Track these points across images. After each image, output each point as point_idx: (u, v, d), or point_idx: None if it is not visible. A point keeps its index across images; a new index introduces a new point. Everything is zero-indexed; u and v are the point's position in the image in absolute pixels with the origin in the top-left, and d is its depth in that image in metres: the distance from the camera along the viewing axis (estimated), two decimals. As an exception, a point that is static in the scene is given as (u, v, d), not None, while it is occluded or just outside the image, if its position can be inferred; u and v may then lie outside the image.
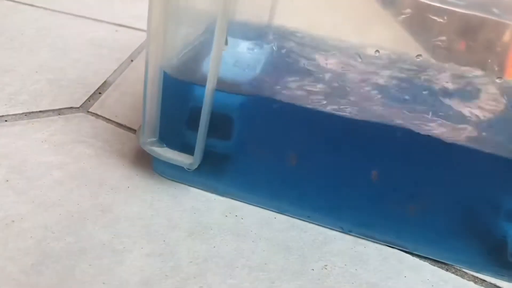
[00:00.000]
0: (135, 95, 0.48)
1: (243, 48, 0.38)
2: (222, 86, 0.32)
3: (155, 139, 0.35)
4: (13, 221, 0.30)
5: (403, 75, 0.32)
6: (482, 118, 0.31)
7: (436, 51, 0.29)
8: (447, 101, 0.31)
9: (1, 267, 0.27)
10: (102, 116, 0.43)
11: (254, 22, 0.39)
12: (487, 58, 0.30)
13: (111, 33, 0.63)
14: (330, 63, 0.34)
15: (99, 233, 0.30)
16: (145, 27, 0.68)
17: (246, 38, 0.38)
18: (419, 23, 0.29)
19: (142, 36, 0.63)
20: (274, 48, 0.35)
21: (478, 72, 0.31)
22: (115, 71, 0.52)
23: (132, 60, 0.55)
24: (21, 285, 0.26)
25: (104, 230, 0.31)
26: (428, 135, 0.30)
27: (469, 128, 0.31)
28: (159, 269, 0.29)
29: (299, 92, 0.33)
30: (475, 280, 0.33)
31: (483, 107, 0.31)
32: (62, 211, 0.31)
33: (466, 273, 0.34)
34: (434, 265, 0.34)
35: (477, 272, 0.34)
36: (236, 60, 0.37)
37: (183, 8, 0.34)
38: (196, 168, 0.34)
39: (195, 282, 0.28)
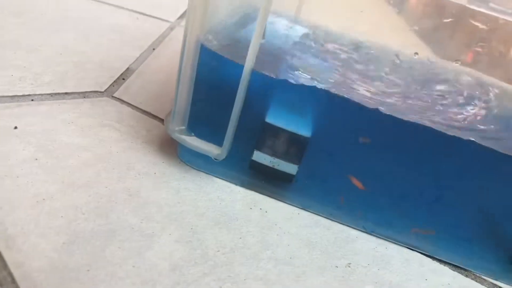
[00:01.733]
0: (158, 83, 0.48)
1: (280, 24, 0.39)
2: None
3: (183, 127, 0.35)
4: (44, 199, 0.30)
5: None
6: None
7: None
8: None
9: (34, 243, 0.27)
10: (126, 102, 0.43)
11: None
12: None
13: (132, 21, 0.63)
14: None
15: (128, 217, 0.30)
16: (165, 17, 0.68)
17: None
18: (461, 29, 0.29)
19: (163, 25, 0.63)
20: (313, 44, 0.35)
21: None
22: (137, 58, 0.52)
23: (154, 49, 0.55)
24: (54, 262, 0.26)
25: (133, 214, 0.31)
26: (459, 138, 0.30)
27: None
28: (187, 256, 0.29)
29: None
30: (494, 287, 0.33)
31: None
32: (91, 193, 0.31)
33: (485, 279, 0.34)
34: (454, 270, 0.34)
35: (495, 279, 0.34)
36: (267, 35, 0.37)
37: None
38: (223, 159, 0.34)
39: (223, 271, 0.28)
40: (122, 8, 0.66)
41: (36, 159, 0.33)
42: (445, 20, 0.29)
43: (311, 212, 0.36)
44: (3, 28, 0.51)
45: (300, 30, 0.42)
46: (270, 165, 0.34)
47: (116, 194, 0.32)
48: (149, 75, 0.49)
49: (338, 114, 0.33)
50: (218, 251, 0.30)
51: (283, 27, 0.42)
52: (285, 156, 0.34)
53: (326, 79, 0.34)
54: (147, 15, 0.66)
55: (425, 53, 0.34)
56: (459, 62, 0.30)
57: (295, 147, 0.34)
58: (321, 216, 0.35)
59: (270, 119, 0.33)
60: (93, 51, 0.51)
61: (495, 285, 0.34)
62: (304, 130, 0.33)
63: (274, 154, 0.34)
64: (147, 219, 0.31)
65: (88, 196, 0.31)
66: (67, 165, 0.33)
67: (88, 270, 0.26)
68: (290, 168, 0.34)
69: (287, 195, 0.36)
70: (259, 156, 0.34)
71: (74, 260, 0.27)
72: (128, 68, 0.49)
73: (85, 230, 0.29)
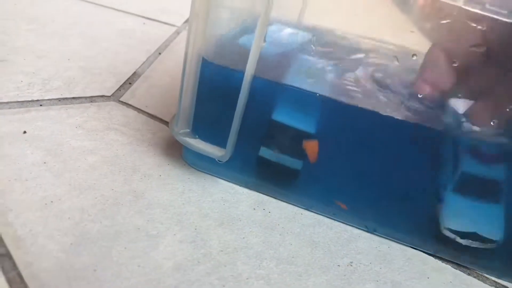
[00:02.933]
0: (164, 87, 0.48)
1: (284, 32, 0.39)
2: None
3: (188, 130, 0.36)
4: (51, 201, 0.31)
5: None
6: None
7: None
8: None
9: (43, 244, 0.28)
10: (133, 106, 0.44)
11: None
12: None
13: (138, 25, 0.64)
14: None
15: (134, 218, 0.31)
16: (171, 21, 0.69)
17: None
18: (457, 30, 0.29)
19: (169, 30, 0.64)
20: (313, 47, 0.36)
21: None
22: (144, 62, 0.53)
23: (160, 53, 0.56)
24: (62, 263, 0.27)
25: (138, 215, 0.31)
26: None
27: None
28: (191, 255, 0.29)
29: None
30: (497, 285, 0.34)
31: None
32: (97, 195, 0.32)
33: (487, 278, 0.34)
34: (457, 269, 0.34)
35: (498, 278, 0.34)
36: (271, 41, 0.38)
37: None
38: (226, 161, 0.35)
39: (226, 270, 0.29)
40: (130, 13, 0.67)
41: (45, 162, 0.34)
42: (443, 22, 0.30)
43: (314, 212, 0.36)
44: (14, 35, 0.53)
45: (303, 35, 0.43)
46: (276, 160, 0.35)
47: (122, 196, 0.33)
48: (155, 79, 0.50)
49: (336, 115, 0.34)
50: (222, 250, 0.31)
51: (286, 32, 0.43)
52: (290, 152, 0.35)
53: (326, 83, 0.35)
54: (154, 20, 0.67)
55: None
56: (416, 57, 0.31)
57: (299, 142, 0.34)
58: (324, 216, 0.36)
59: (276, 116, 0.34)
60: (101, 56, 0.52)
61: (498, 283, 0.34)
62: (308, 127, 0.34)
63: (279, 149, 0.35)
64: (152, 220, 0.31)
65: (94, 198, 0.32)
66: (74, 168, 0.34)
67: (94, 270, 0.27)
68: (295, 163, 0.35)
69: (291, 196, 0.37)
70: (265, 152, 0.35)
71: (81, 261, 0.27)
72: (134, 73, 0.50)
73: (92, 231, 0.29)
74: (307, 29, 0.42)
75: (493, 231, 0.33)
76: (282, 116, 0.34)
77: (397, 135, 0.33)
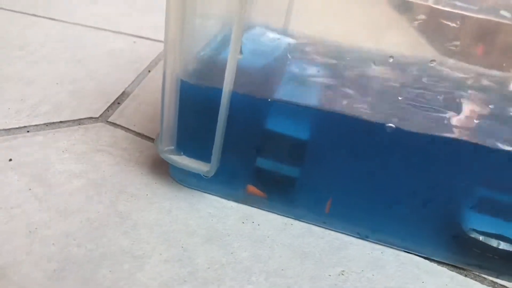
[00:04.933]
0: (153, 104, 0.48)
1: (266, 37, 0.39)
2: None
3: (172, 147, 0.36)
4: (36, 228, 0.31)
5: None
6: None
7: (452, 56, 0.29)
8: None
9: (26, 273, 0.27)
10: (120, 126, 0.44)
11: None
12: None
13: (129, 44, 0.64)
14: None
15: (119, 240, 0.31)
16: (162, 38, 0.69)
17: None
18: (433, 29, 0.29)
19: (160, 46, 0.64)
20: (289, 56, 0.36)
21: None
22: (133, 81, 0.53)
23: (149, 71, 0.56)
24: (44, 290, 0.27)
25: (124, 236, 0.31)
26: (455, 139, 0.30)
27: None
28: (177, 274, 0.29)
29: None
30: (495, 285, 0.33)
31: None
32: (83, 219, 0.32)
33: (485, 278, 0.33)
34: (453, 271, 0.34)
35: (496, 277, 0.34)
36: (254, 49, 0.38)
37: (199, 17, 0.35)
38: (213, 176, 0.34)
39: (214, 287, 0.29)
40: (120, 33, 0.68)
41: (30, 189, 0.34)
42: (417, 22, 0.29)
43: (304, 221, 0.36)
44: (5, 62, 0.53)
45: (287, 42, 0.43)
46: (273, 169, 0.35)
47: (108, 218, 0.33)
48: (143, 97, 0.50)
49: (326, 125, 0.33)
50: (209, 267, 0.30)
51: (270, 40, 0.43)
52: (286, 160, 0.35)
53: (314, 93, 0.35)
54: (143, 37, 0.67)
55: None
56: (434, 63, 0.30)
57: (294, 150, 0.34)
58: (314, 225, 0.35)
59: (270, 125, 0.34)
60: (89, 78, 0.52)
61: (496, 283, 0.33)
62: (301, 134, 0.34)
63: (275, 158, 0.34)
64: (138, 241, 0.31)
65: (80, 222, 0.32)
66: (60, 192, 0.34)
67: (79, 295, 0.27)
68: (293, 171, 0.35)
69: (280, 207, 0.36)
70: (262, 162, 0.35)
71: (66, 286, 0.27)
72: (123, 92, 0.50)
73: (77, 256, 0.29)
74: (294, 35, 0.42)
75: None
76: (276, 125, 0.34)
77: (387, 143, 0.32)
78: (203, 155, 0.35)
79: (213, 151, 0.34)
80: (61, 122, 0.43)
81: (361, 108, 0.32)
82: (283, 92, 0.35)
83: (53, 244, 0.30)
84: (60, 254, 0.29)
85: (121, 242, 0.31)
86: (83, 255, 0.29)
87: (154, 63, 0.59)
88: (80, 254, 0.29)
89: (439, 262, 0.34)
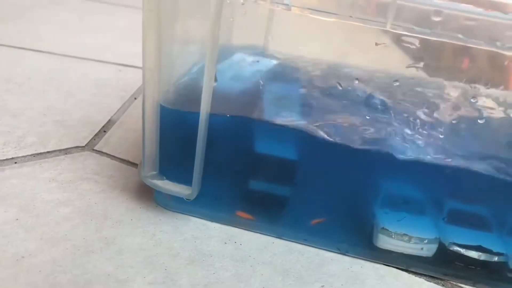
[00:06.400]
0: (139, 131, 0.49)
1: (246, 61, 0.41)
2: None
3: (155, 172, 0.37)
4: (23, 257, 0.31)
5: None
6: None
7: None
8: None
9: (12, 301, 0.28)
10: (106, 153, 0.45)
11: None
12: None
13: (114, 73, 0.65)
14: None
15: (104, 265, 0.32)
16: (147, 66, 0.70)
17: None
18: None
19: (145, 74, 0.66)
20: (261, 82, 0.37)
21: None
22: (119, 109, 0.54)
23: (135, 98, 0.58)
24: (31, 317, 0.27)
25: (109, 261, 0.32)
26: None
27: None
28: (161, 297, 0.30)
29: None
30: (471, 294, 0.34)
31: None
32: (68, 246, 0.33)
33: (462, 287, 0.34)
34: (430, 281, 0.35)
35: (472, 286, 0.35)
36: (234, 74, 0.39)
37: (177, 43, 0.36)
38: (195, 198, 0.36)
39: (196, 307, 0.30)
40: (106, 62, 0.69)
41: (17, 219, 0.35)
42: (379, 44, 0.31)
43: (285, 239, 0.37)
44: (-8, 96, 0.54)
45: (268, 63, 0.44)
46: (266, 191, 0.36)
47: (93, 244, 0.33)
48: (129, 124, 0.51)
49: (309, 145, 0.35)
50: (192, 288, 0.31)
51: (249, 65, 0.44)
52: (278, 180, 0.36)
53: (297, 112, 0.36)
54: (129, 65, 0.69)
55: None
56: (397, 83, 0.32)
57: (285, 171, 0.36)
58: (295, 242, 0.36)
59: (258, 149, 0.35)
60: (76, 107, 0.54)
61: (472, 291, 0.34)
62: (290, 155, 0.35)
63: (267, 180, 0.36)
64: (122, 265, 0.32)
65: (65, 249, 0.33)
66: (46, 221, 0.35)
67: (64, 321, 0.28)
68: (284, 191, 0.36)
69: (264, 226, 0.37)
70: (255, 185, 0.36)
71: (51, 313, 0.28)
72: (109, 120, 0.51)
73: (62, 282, 0.30)
74: (274, 55, 0.44)
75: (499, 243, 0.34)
76: (265, 148, 0.35)
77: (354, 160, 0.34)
78: (185, 179, 0.36)
79: (194, 174, 0.35)
80: (47, 152, 0.44)
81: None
82: (267, 113, 0.36)
83: (39, 271, 0.31)
84: (46, 281, 0.30)
85: (106, 267, 0.32)
86: (69, 281, 0.30)
87: (139, 90, 0.60)
88: (65, 280, 0.30)
89: (416, 273, 0.35)
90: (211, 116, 0.33)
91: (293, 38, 0.40)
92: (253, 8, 0.36)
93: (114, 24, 0.92)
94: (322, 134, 0.33)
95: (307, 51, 0.42)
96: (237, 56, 0.44)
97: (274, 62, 0.44)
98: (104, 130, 0.49)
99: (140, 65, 0.69)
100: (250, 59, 0.45)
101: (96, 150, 0.45)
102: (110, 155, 0.45)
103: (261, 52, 0.45)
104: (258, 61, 0.45)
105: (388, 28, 0.28)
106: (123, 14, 1.00)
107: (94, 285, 0.30)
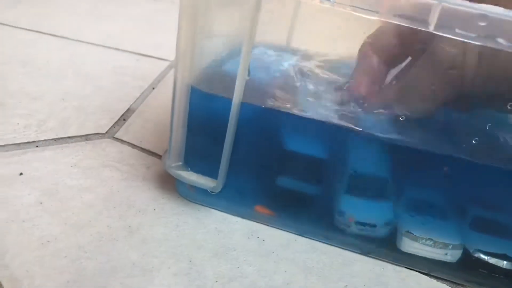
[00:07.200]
0: (158, 121, 0.50)
1: (268, 55, 0.41)
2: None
3: (180, 163, 0.37)
4: (48, 241, 0.31)
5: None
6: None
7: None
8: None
9: (40, 284, 0.28)
10: (127, 142, 0.45)
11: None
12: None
13: (132, 62, 0.65)
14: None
15: (129, 253, 0.32)
16: (164, 56, 0.70)
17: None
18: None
19: (162, 64, 0.66)
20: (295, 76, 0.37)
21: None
22: (137, 98, 0.54)
23: (153, 88, 0.57)
24: (58, 301, 0.27)
25: (133, 250, 0.32)
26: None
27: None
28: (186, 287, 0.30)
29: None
30: (492, 301, 0.34)
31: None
32: (93, 232, 0.33)
33: (483, 294, 0.34)
34: (452, 287, 0.35)
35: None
36: (259, 66, 0.39)
37: (210, 27, 0.36)
38: (219, 192, 0.35)
39: (221, 300, 0.30)
40: (124, 51, 0.69)
41: (41, 203, 0.35)
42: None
43: (308, 237, 0.36)
44: (10, 78, 0.54)
45: (291, 59, 0.44)
46: (293, 188, 0.36)
47: (117, 232, 0.33)
48: (148, 113, 0.51)
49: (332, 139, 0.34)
50: (216, 281, 0.31)
51: (274, 58, 0.44)
52: (305, 179, 0.36)
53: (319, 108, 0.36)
54: (147, 55, 0.69)
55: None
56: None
57: (313, 169, 0.35)
58: (318, 241, 0.36)
59: (287, 146, 0.35)
60: (95, 94, 0.53)
61: (494, 299, 0.34)
62: (318, 153, 0.35)
63: (295, 177, 0.36)
64: (147, 255, 0.32)
65: (90, 235, 0.33)
66: (70, 207, 0.35)
67: (91, 307, 0.27)
68: (313, 189, 0.36)
69: (285, 223, 0.37)
70: (283, 181, 0.36)
71: (78, 298, 0.28)
72: (128, 109, 0.51)
73: (88, 268, 0.30)
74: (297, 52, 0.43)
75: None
76: (294, 145, 0.35)
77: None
78: (211, 171, 0.36)
79: (220, 166, 0.35)
80: (68, 137, 0.44)
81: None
82: (298, 107, 0.36)
83: (65, 256, 0.30)
84: (72, 266, 0.30)
85: (130, 255, 0.31)
86: (94, 268, 0.30)
87: (157, 80, 0.60)
88: (91, 266, 0.30)
89: (438, 278, 0.35)
90: (242, 105, 0.33)
91: (319, 35, 0.40)
92: (280, 3, 0.36)
93: (128, 13, 0.91)
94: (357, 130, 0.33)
95: (333, 48, 0.41)
96: (259, 50, 0.44)
97: (297, 59, 0.44)
98: (123, 118, 0.49)
99: (158, 55, 0.69)
100: (272, 53, 0.45)
101: (116, 138, 0.45)
102: (130, 143, 0.45)
103: (284, 47, 0.44)
104: (280, 55, 0.44)
105: (431, 30, 0.27)
106: (136, 3, 0.99)
107: (119, 273, 0.30)
